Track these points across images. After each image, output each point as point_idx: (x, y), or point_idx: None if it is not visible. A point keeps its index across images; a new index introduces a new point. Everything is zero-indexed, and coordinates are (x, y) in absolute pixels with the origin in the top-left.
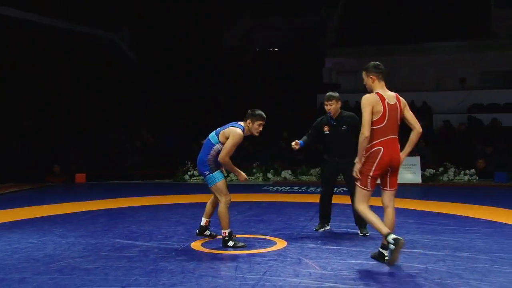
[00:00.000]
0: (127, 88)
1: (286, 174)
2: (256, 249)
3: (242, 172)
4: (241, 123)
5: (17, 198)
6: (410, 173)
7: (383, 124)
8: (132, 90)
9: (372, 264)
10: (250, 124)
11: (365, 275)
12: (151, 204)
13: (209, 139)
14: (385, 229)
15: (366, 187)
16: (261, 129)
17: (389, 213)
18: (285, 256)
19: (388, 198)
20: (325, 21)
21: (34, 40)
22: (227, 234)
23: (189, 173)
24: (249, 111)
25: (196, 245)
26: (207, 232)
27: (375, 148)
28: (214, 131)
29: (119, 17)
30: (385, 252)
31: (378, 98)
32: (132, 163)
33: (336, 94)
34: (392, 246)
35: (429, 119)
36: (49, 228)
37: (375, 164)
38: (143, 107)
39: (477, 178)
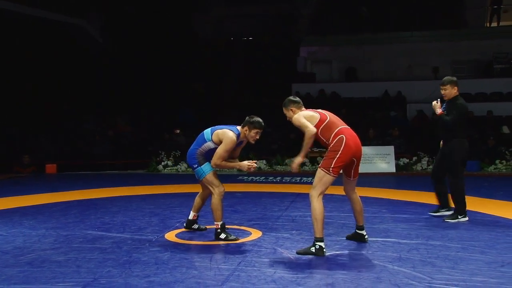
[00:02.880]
0: (97, 76)
1: (261, 164)
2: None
3: (243, 163)
4: (239, 127)
5: None
6: (384, 162)
7: (328, 120)
8: (103, 78)
9: (347, 254)
10: (247, 131)
11: (340, 264)
12: (124, 195)
13: (203, 134)
14: (320, 234)
15: (332, 170)
16: (257, 137)
17: (358, 200)
18: (260, 247)
19: (352, 186)
20: (299, 10)
21: (1, 27)
22: (219, 226)
23: (162, 163)
24: (247, 117)
25: (170, 236)
26: (195, 226)
27: (339, 137)
28: (210, 128)
29: (90, 3)
30: (363, 232)
31: (306, 110)
32: (103, 153)
33: (453, 79)
34: (314, 249)
35: (403, 109)
36: (18, 220)
37: (340, 152)
38: (114, 96)
39: None
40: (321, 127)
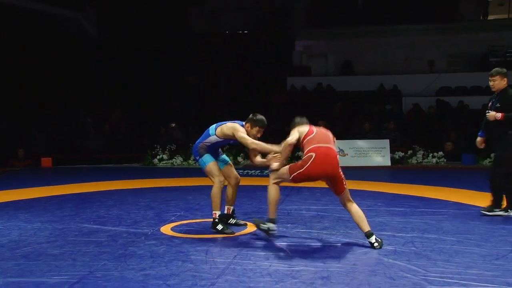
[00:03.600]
0: (92, 70)
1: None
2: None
3: (274, 147)
4: (244, 122)
5: None
6: (379, 156)
7: (312, 135)
8: (97, 71)
9: (342, 247)
10: (249, 128)
11: (335, 257)
12: (120, 189)
13: (208, 129)
14: (272, 215)
15: (292, 177)
16: (259, 135)
17: (355, 210)
18: (255, 240)
19: (343, 200)
20: (294, 3)
21: None
22: (217, 216)
23: (158, 157)
24: (251, 115)
25: (166, 229)
26: (232, 221)
27: (309, 154)
28: (216, 123)
29: None
30: (371, 240)
31: (306, 127)
32: (98, 146)
33: (503, 70)
34: (264, 227)
35: (399, 102)
36: (14, 214)
37: (305, 167)
38: (109, 89)
39: (445, 160)
40: (305, 140)
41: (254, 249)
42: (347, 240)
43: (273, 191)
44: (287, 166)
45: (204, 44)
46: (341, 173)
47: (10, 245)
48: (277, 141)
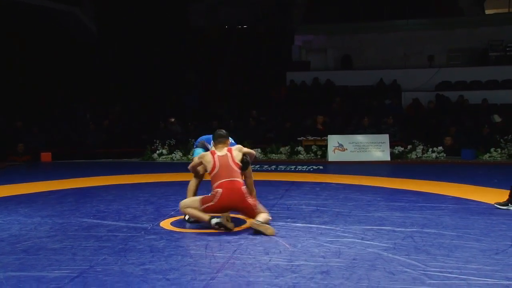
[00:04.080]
0: (90, 65)
1: (256, 152)
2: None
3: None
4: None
5: None
6: (379, 151)
7: (216, 171)
8: (96, 66)
9: (341, 242)
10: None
11: (335, 252)
12: (120, 183)
13: (210, 138)
14: (205, 216)
15: (203, 208)
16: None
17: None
18: (255, 235)
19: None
20: None
21: None
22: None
23: (157, 151)
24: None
25: (165, 224)
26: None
27: (216, 190)
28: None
29: None
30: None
31: (220, 151)
32: (97, 141)
33: None
34: (216, 224)
35: (398, 97)
36: (14, 208)
37: (214, 201)
38: (108, 84)
39: (445, 155)
40: (211, 174)
41: (253, 244)
42: (347, 234)
43: (189, 210)
44: (201, 197)
45: (203, 39)
46: (249, 200)
47: (10, 240)
48: (279, 134)
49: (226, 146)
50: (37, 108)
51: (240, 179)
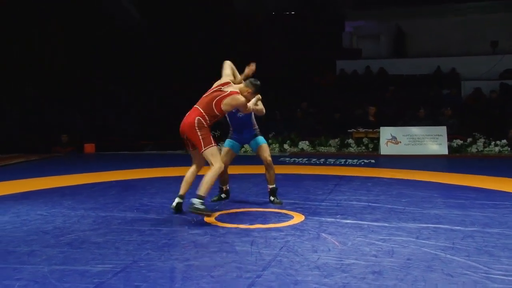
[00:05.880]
0: (133, 52)
1: (304, 145)
2: (272, 223)
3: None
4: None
5: (24, 168)
6: (435, 144)
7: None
8: (136, 51)
9: (394, 240)
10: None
11: (388, 251)
12: (163, 176)
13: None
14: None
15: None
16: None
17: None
18: (302, 231)
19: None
20: None
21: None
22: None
23: None
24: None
25: (210, 218)
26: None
27: None
28: None
29: None
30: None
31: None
32: (142, 132)
33: None
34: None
35: (457, 87)
36: (58, 200)
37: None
38: (146, 69)
39: (509, 149)
40: None
41: (301, 241)
42: (400, 233)
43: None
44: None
45: (247, 25)
46: (199, 134)
47: (54, 232)
48: (328, 127)
49: (231, 88)
50: (79, 96)
51: (202, 112)
